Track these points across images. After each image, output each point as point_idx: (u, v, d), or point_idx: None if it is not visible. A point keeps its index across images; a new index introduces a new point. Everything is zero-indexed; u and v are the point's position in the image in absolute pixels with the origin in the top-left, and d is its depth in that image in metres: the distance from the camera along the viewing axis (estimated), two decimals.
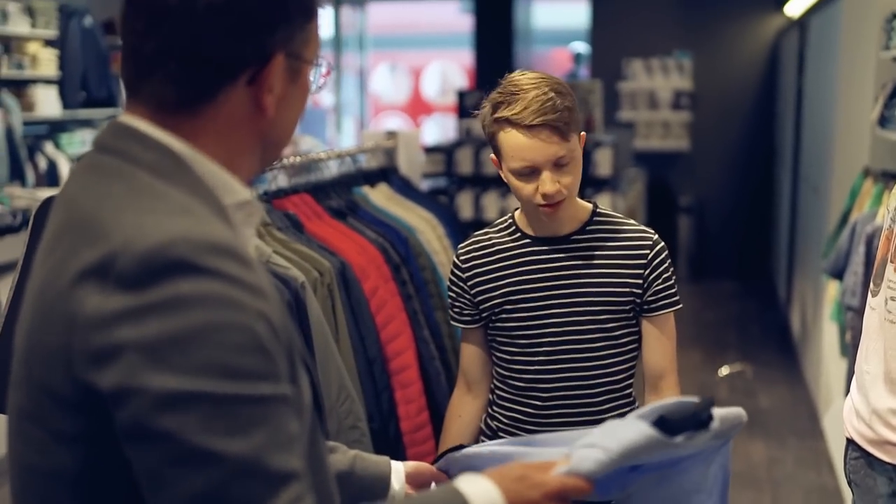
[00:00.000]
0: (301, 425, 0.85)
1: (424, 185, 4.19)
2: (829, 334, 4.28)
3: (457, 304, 1.83)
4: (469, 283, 1.79)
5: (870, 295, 1.68)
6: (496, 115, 1.64)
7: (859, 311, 3.25)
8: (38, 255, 0.94)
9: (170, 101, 0.91)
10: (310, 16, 0.95)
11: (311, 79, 0.99)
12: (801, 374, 5.24)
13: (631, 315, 1.74)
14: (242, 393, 0.79)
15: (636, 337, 1.76)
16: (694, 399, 1.10)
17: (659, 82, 7.75)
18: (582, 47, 8.56)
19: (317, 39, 0.98)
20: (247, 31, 0.89)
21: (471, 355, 1.84)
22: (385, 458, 1.35)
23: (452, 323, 1.87)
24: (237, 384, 0.79)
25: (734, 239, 7.79)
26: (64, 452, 0.84)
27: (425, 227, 2.98)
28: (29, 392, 0.86)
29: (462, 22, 9.44)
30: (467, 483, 0.99)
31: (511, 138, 1.63)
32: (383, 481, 1.31)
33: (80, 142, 6.63)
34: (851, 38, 4.26)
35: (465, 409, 1.86)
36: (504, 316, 1.76)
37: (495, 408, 1.83)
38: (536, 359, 1.74)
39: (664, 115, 7.75)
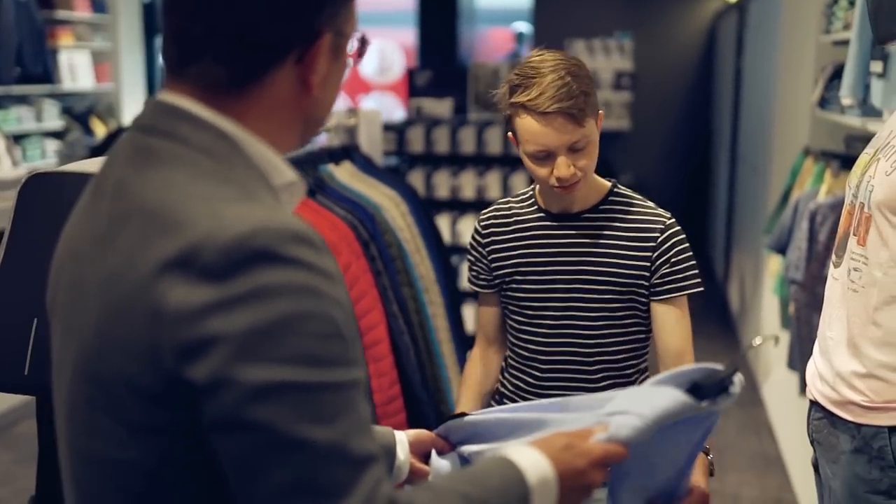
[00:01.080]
0: (368, 408, 0.87)
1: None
2: (768, 308, 4.45)
3: (474, 268, 1.87)
4: (487, 249, 1.83)
5: (832, 266, 1.78)
6: (512, 100, 1.66)
7: (802, 285, 3.40)
8: (74, 239, 0.93)
9: (219, 83, 0.90)
10: None
11: (349, 52, 0.98)
12: (739, 346, 5.44)
13: (637, 297, 1.74)
14: (328, 380, 0.81)
15: (642, 319, 1.77)
16: (717, 366, 1.14)
17: (600, 63, 7.88)
18: (524, 27, 8.63)
19: (355, 14, 0.97)
20: (296, 10, 0.89)
21: (488, 317, 1.89)
22: (389, 429, 1.35)
23: (470, 286, 1.90)
24: (323, 372, 0.81)
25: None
26: (141, 445, 0.85)
27: (389, 205, 3.02)
28: (104, 385, 0.85)
29: (400, 0, 9.43)
30: (517, 453, 0.99)
31: (526, 124, 1.65)
32: (389, 452, 1.32)
33: (16, 118, 6.46)
34: (791, 21, 4.41)
35: (487, 359, 1.89)
36: (514, 286, 1.80)
37: (505, 374, 1.87)
38: (539, 331, 1.78)
39: (605, 96, 7.89)
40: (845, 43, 3.45)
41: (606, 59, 7.87)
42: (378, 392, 2.49)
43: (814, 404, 1.79)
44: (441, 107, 5.10)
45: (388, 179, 3.26)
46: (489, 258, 1.83)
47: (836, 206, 3.28)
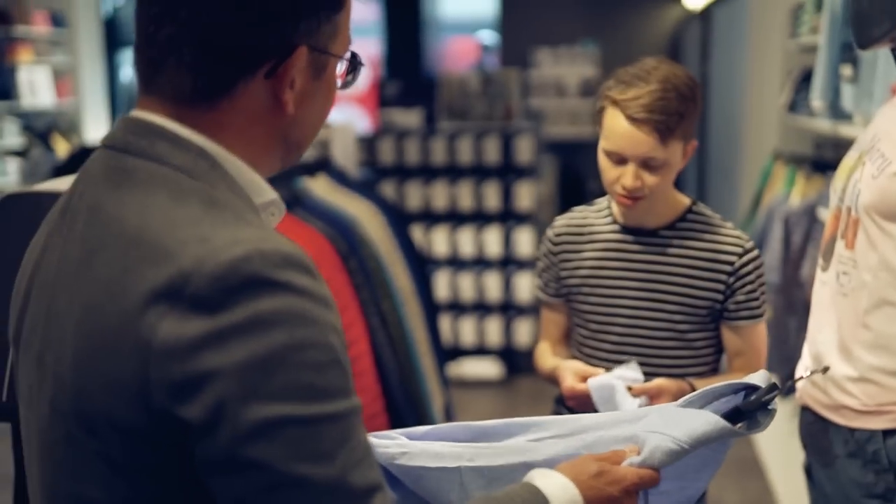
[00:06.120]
0: (366, 434, 0.83)
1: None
2: None
3: (543, 275, 1.82)
4: (558, 258, 1.78)
5: (819, 271, 1.78)
6: (609, 92, 1.62)
7: (778, 288, 3.42)
8: (42, 266, 0.88)
9: (186, 93, 0.85)
10: (338, 6, 0.88)
11: (338, 73, 0.92)
12: None
13: (709, 320, 1.69)
14: (326, 412, 0.77)
15: (712, 340, 1.72)
16: (757, 383, 1.08)
17: (566, 70, 7.91)
18: (489, 36, 8.65)
19: (346, 32, 0.91)
20: (268, 21, 0.83)
21: (553, 326, 1.84)
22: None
23: (537, 293, 1.86)
24: (321, 404, 0.77)
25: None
26: (127, 485, 0.80)
27: (366, 217, 2.99)
28: (85, 423, 0.80)
29: (365, 10, 9.40)
30: (543, 478, 0.96)
31: (612, 120, 1.61)
32: None
33: None
34: (758, 27, 4.45)
35: (555, 350, 1.83)
36: (581, 298, 1.75)
37: None
38: (604, 346, 1.73)
39: (572, 103, 7.92)
40: (812, 47, 3.48)
41: (572, 67, 7.91)
42: None
43: (805, 409, 1.78)
44: (410, 118, 5.07)
45: (364, 192, 3.23)
46: (559, 267, 1.78)
47: (809, 210, 3.31)
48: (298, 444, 0.75)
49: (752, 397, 1.06)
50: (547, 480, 0.95)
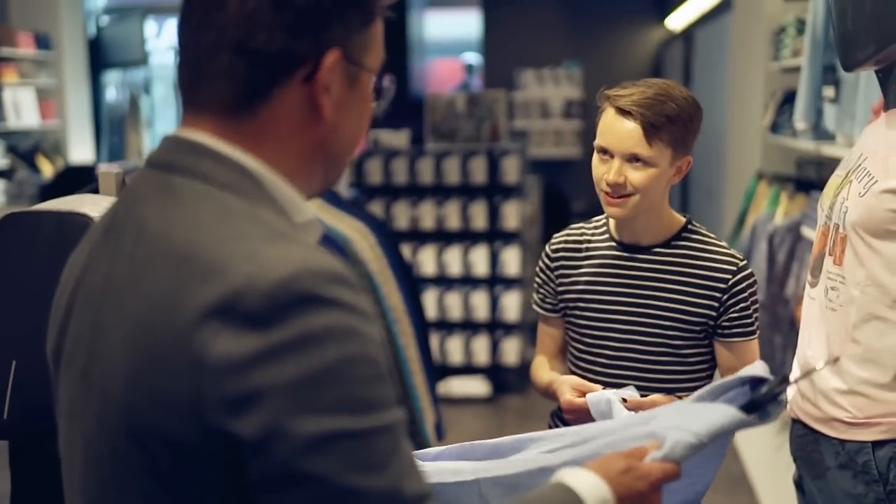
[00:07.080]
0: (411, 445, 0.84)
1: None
2: None
3: (541, 291, 1.85)
4: (555, 273, 1.81)
5: (808, 286, 1.82)
6: (607, 91, 1.68)
7: (763, 305, 3.47)
8: (84, 283, 0.88)
9: (226, 101, 0.86)
10: (367, 20, 0.89)
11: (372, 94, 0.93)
12: None
13: (702, 336, 1.73)
14: (377, 424, 0.78)
15: (705, 356, 1.75)
16: (765, 376, 1.13)
17: (550, 92, 7.99)
18: (473, 58, 8.72)
19: (378, 51, 0.92)
20: (301, 24, 0.84)
21: (549, 341, 1.87)
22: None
23: (534, 307, 1.88)
24: (371, 417, 0.78)
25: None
26: (172, 498, 0.81)
27: (357, 237, 3.01)
28: (135, 438, 0.80)
29: None
30: (574, 477, 0.96)
31: (604, 116, 1.67)
32: None
33: None
34: (740, 49, 4.53)
35: (551, 363, 1.86)
36: (577, 312, 1.78)
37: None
38: (599, 360, 1.76)
39: (556, 124, 8.00)
40: (794, 69, 3.55)
41: (556, 88, 7.99)
42: None
43: (796, 422, 1.82)
44: (398, 138, 5.11)
45: (354, 211, 3.25)
46: (556, 282, 1.81)
47: (793, 228, 3.36)
48: (352, 457, 0.77)
49: (765, 389, 1.09)
50: (578, 479, 0.96)
